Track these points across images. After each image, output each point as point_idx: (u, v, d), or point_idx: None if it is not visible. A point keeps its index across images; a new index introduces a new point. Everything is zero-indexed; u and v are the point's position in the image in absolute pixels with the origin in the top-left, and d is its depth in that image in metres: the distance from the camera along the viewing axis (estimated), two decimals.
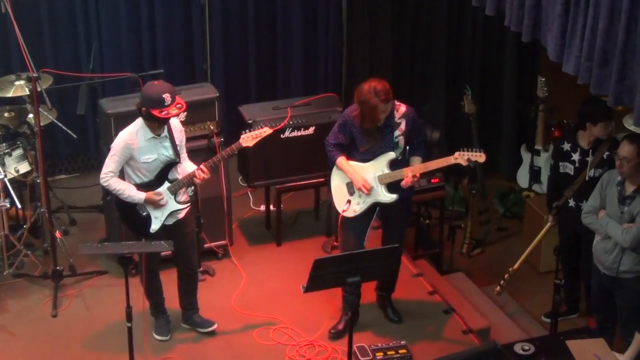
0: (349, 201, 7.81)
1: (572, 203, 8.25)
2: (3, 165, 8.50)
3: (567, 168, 8.31)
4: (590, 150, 8.16)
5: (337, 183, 7.91)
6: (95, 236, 9.29)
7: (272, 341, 8.05)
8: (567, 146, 8.30)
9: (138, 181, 7.61)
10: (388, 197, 7.75)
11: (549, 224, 8.53)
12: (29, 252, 8.80)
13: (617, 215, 7.40)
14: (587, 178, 8.09)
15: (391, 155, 7.68)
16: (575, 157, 8.24)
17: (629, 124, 8.33)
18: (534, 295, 9.14)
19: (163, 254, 7.79)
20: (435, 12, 10.72)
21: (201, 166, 7.65)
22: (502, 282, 8.78)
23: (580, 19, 6.32)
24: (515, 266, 8.73)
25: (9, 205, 8.50)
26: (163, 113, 7.34)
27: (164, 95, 7.32)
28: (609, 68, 6.17)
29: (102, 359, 7.86)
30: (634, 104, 6.06)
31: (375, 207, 7.87)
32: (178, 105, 7.40)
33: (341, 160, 7.78)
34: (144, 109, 7.40)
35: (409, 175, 7.61)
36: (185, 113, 8.44)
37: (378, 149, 7.70)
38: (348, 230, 7.94)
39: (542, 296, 8.95)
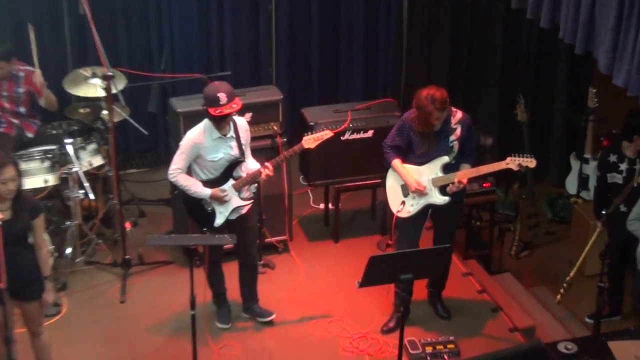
0: (403, 202, 7.93)
1: (623, 208, 8.18)
2: (78, 158, 8.70)
3: (616, 178, 8.34)
4: (638, 159, 8.22)
5: (392, 184, 8.03)
6: (162, 228, 9.49)
7: (327, 332, 8.21)
8: (613, 158, 8.34)
9: (204, 178, 7.81)
10: (441, 200, 7.87)
11: (598, 229, 8.43)
12: (100, 241, 9.06)
13: None
14: (635, 184, 8.12)
15: (445, 159, 7.81)
16: (623, 167, 8.29)
17: None
18: (578, 297, 9.05)
19: (225, 246, 7.91)
20: (491, 24, 10.77)
21: (267, 164, 7.80)
22: (561, 290, 8.74)
23: (632, 33, 6.45)
24: (572, 274, 8.69)
25: (82, 197, 8.74)
26: (217, 111, 7.51)
27: (219, 95, 7.49)
28: None
29: (166, 344, 8.07)
30: None
31: (428, 209, 7.97)
32: (233, 106, 7.56)
33: (396, 162, 7.90)
34: (203, 107, 7.63)
35: (455, 181, 7.76)
36: (251, 114, 8.66)
37: (433, 153, 7.82)
38: (402, 231, 8.08)
39: (586, 298, 8.91)
